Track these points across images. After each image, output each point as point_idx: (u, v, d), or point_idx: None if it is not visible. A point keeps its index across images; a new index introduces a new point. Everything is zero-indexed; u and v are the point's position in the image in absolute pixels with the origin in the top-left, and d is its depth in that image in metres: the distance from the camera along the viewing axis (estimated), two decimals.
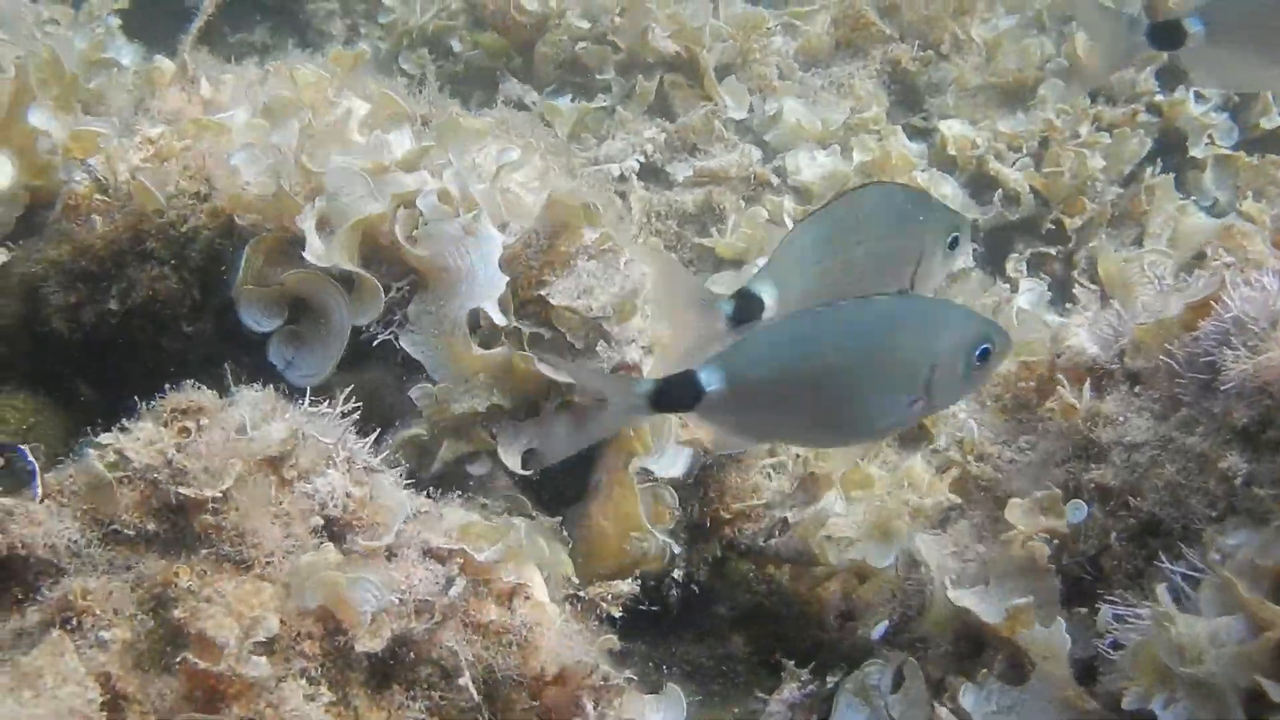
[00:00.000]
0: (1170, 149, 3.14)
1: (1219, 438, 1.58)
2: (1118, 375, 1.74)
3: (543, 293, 1.90)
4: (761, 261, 2.52)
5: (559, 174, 2.24)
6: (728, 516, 2.06)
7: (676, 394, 1.51)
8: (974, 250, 3.00)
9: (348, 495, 1.53)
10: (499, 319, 1.86)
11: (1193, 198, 3.07)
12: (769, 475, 2.17)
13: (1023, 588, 1.65)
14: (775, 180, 3.01)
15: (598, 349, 1.90)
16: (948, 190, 3.01)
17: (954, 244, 1.74)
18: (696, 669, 2.05)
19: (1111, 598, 1.59)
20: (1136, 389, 1.71)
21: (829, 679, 1.84)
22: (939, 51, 3.27)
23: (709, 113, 3.04)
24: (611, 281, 1.92)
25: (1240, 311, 1.59)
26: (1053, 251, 3.04)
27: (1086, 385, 1.72)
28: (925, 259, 1.70)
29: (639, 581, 1.83)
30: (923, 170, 3.03)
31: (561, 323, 1.90)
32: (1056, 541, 1.67)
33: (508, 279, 1.88)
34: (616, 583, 1.82)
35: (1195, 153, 3.11)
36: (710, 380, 1.50)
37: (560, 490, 1.97)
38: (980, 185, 3.07)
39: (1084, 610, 1.64)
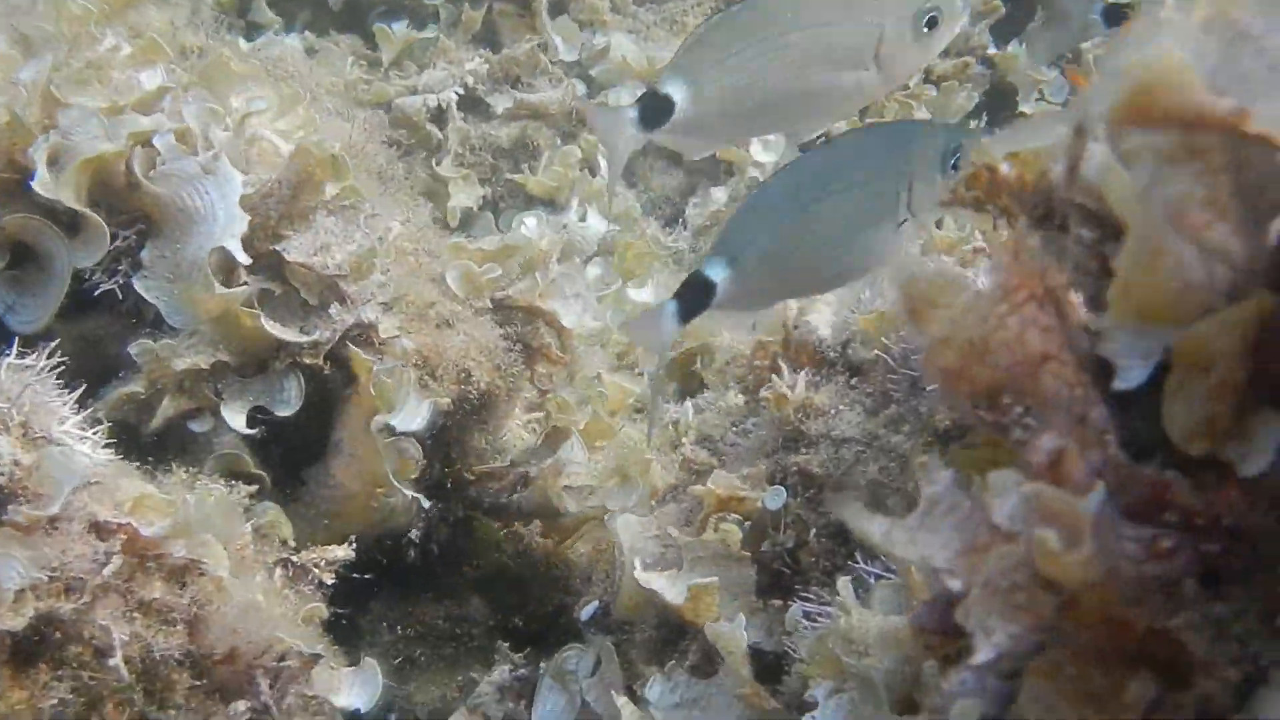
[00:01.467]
0: (1001, 103, 3.10)
1: (921, 439, 1.56)
2: (839, 365, 1.71)
3: (278, 247, 1.84)
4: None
5: (332, 120, 2.19)
6: (471, 477, 2.03)
7: (695, 299, 1.51)
8: None
9: (15, 463, 1.47)
10: (242, 258, 1.79)
11: None
12: (531, 430, 2.15)
13: (715, 574, 1.62)
14: None
15: (331, 309, 1.84)
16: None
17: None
18: (430, 631, 2.02)
19: (806, 595, 1.57)
20: (854, 381, 1.68)
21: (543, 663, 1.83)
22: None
23: (534, 47, 2.98)
24: (350, 239, 1.86)
25: None
26: None
27: (802, 375, 1.68)
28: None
29: (354, 547, 1.80)
30: None
31: (296, 279, 1.84)
32: (750, 523, 1.64)
33: (249, 218, 1.81)
34: (330, 548, 1.78)
35: (1025, 108, 3.07)
36: (716, 274, 1.50)
37: (292, 447, 1.92)
38: None
39: (780, 604, 1.62)
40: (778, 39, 1.57)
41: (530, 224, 2.33)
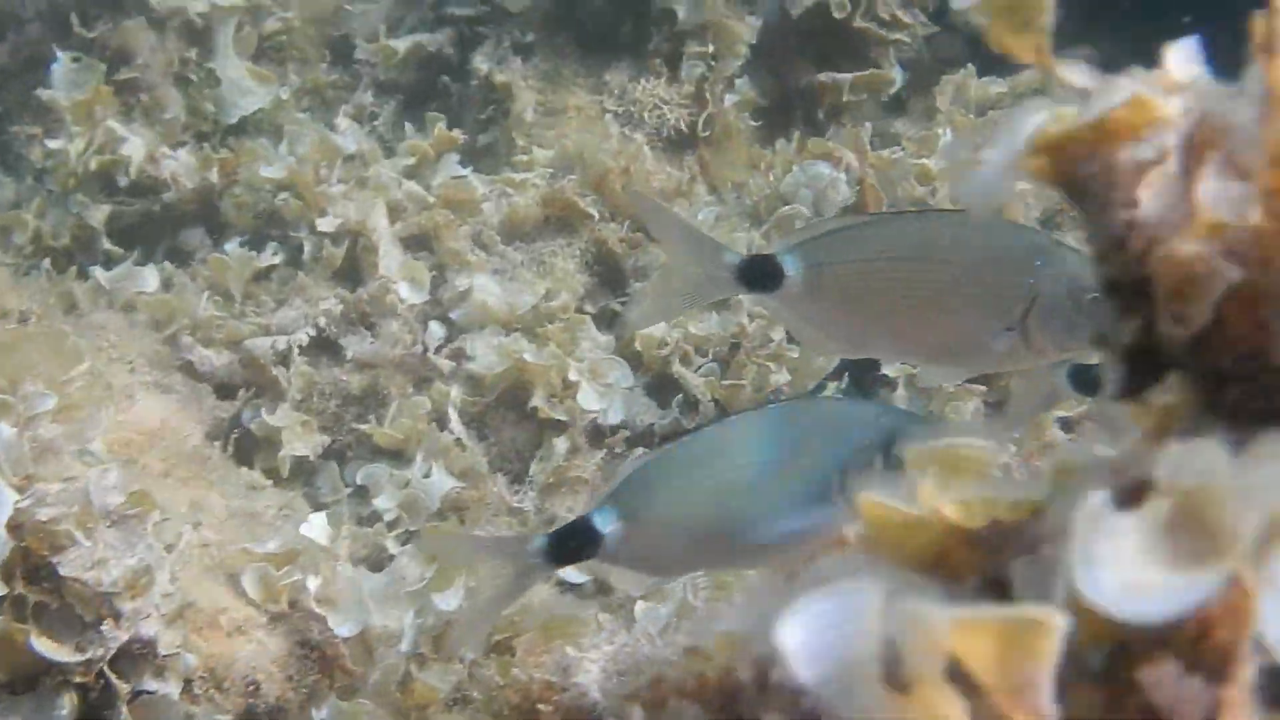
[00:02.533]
0: (863, 364, 3.05)
1: None
2: None
3: (54, 560, 1.78)
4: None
5: (151, 394, 2.14)
6: None
7: (573, 546, 1.45)
8: None
9: None
10: None
11: None
12: None
13: None
14: (449, 366, 2.89)
15: (102, 627, 1.77)
16: (612, 378, 2.88)
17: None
18: None
19: None
20: None
21: None
22: (648, 234, 3.17)
23: (383, 284, 2.92)
24: (131, 550, 1.80)
25: None
26: None
27: None
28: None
29: None
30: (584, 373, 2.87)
31: (70, 594, 1.78)
32: None
33: (14, 544, 1.75)
34: None
35: (886, 370, 3.02)
36: (606, 524, 1.43)
37: None
38: (663, 387, 2.97)
39: None
40: (913, 259, 1.50)
41: (316, 521, 2.25)
